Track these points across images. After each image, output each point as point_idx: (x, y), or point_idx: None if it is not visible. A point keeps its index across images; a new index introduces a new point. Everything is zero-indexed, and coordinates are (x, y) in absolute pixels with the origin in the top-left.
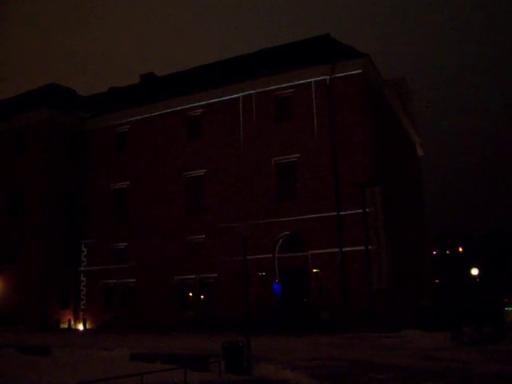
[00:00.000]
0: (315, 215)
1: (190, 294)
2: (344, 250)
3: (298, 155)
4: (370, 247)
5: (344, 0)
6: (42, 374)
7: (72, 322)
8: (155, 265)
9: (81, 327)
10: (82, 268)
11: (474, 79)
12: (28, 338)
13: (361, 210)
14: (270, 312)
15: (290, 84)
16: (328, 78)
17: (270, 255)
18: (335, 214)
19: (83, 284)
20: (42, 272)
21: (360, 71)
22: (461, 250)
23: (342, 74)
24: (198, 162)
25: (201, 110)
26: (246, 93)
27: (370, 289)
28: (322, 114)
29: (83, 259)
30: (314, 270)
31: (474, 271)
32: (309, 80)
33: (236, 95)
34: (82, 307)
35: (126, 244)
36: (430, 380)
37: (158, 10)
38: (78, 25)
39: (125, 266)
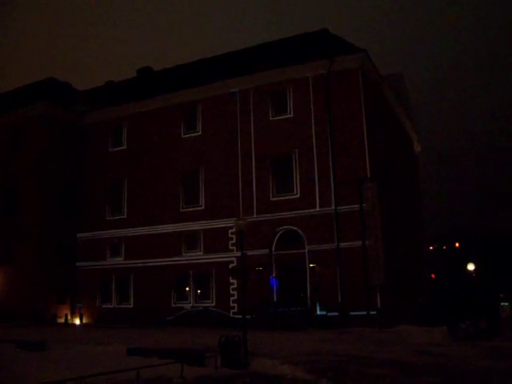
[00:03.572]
0: (312, 211)
1: (187, 289)
2: (341, 245)
3: (294, 150)
4: (366, 243)
5: None
6: (37, 370)
7: (69, 317)
8: (151, 259)
9: (77, 322)
10: (79, 263)
11: (472, 75)
12: (24, 333)
13: (358, 206)
14: (266, 307)
15: (288, 79)
16: (325, 72)
17: (267, 250)
18: (332, 209)
19: (80, 279)
20: (39, 267)
21: (357, 66)
22: (457, 245)
23: (339, 69)
24: (194, 156)
25: (198, 105)
26: (243, 87)
27: (366, 284)
28: (319, 109)
29: (79, 254)
30: (311, 265)
31: (471, 266)
32: (306, 75)
33: (233, 90)
34: (79, 302)
35: (122, 238)
36: (427, 375)
37: (156, 3)
38: (74, 19)
39: (121, 260)
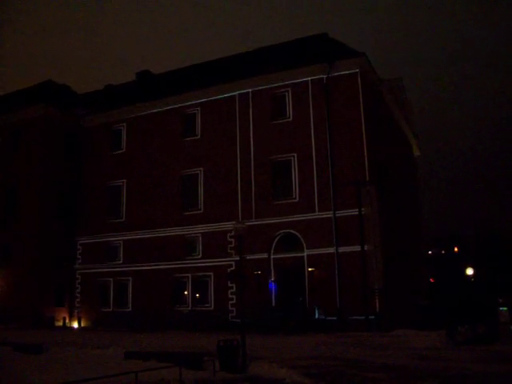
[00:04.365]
0: (311, 215)
1: (185, 293)
2: (339, 249)
3: (294, 154)
4: (365, 247)
5: None
6: (34, 373)
7: (67, 320)
8: (150, 263)
9: (75, 325)
10: (77, 266)
11: (472, 78)
12: (22, 335)
13: (357, 210)
14: (265, 311)
15: (287, 83)
16: (325, 76)
17: (266, 254)
18: (331, 213)
19: (78, 282)
20: (37, 269)
21: (357, 70)
22: (456, 249)
23: (338, 73)
24: (193, 160)
25: (197, 108)
26: (243, 91)
27: (365, 288)
28: (318, 112)
29: (78, 257)
30: (309, 269)
31: (469, 271)
32: (306, 79)
33: (232, 93)
34: (77, 305)
35: (121, 242)
36: (425, 380)
37: (155, 7)
38: (73, 22)
39: (120, 263)
